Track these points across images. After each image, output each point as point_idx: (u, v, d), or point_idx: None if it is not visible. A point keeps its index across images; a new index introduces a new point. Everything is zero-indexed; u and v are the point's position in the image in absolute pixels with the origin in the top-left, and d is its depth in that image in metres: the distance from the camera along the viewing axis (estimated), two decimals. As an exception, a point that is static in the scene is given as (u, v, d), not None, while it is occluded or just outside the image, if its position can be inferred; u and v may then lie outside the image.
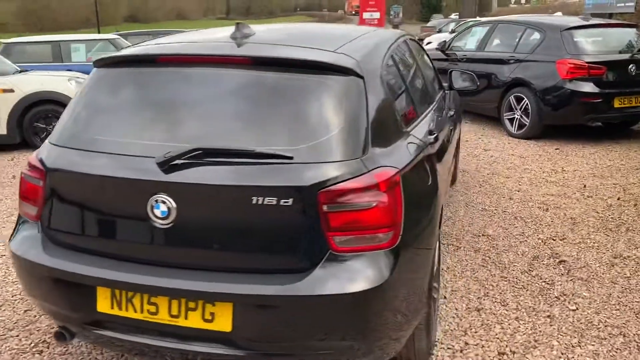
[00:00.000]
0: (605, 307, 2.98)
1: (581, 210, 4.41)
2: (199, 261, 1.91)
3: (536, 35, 6.92)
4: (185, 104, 2.03)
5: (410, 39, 3.31)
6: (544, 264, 3.50)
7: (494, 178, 5.32)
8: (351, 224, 1.85)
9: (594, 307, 2.98)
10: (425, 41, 17.96)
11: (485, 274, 3.37)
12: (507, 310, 2.96)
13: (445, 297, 3.10)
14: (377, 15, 36.73)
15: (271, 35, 2.39)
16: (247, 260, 1.88)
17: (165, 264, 1.94)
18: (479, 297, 3.10)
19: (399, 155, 2.09)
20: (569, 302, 3.03)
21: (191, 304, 1.90)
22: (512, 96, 6.96)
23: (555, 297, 3.10)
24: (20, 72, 7.42)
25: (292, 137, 1.90)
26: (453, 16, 40.75)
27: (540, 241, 3.85)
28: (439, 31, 24.99)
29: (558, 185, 5.08)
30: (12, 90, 6.67)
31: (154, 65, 2.18)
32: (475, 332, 2.76)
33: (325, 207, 1.82)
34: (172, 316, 1.92)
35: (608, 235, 3.93)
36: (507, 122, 7.14)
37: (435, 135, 2.66)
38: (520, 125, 6.92)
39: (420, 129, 2.54)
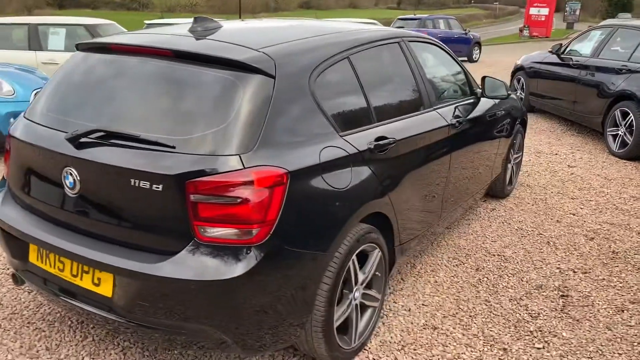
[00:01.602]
0: (577, 353, 2.68)
1: (632, 246, 3.90)
2: (96, 230, 2.15)
3: (657, 44, 6.10)
4: (110, 89, 2.27)
5: (410, 41, 3.19)
6: (542, 295, 3.21)
7: (556, 197, 4.87)
8: (218, 217, 1.95)
9: (563, 351, 2.69)
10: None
11: (470, 295, 3.19)
12: (463, 335, 2.80)
13: (409, 310, 3.01)
14: (545, 11, 34.43)
15: (225, 30, 2.52)
16: (130, 236, 2.08)
17: (74, 228, 2.21)
18: (445, 316, 2.96)
19: (300, 157, 2.12)
20: (538, 340, 2.77)
21: (85, 267, 2.15)
22: (617, 110, 6.22)
23: (529, 331, 2.85)
24: None
25: (181, 127, 2.04)
26: (620, 15, 36.44)
27: (557, 271, 3.51)
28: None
29: (627, 214, 4.51)
30: None
31: (106, 52, 2.44)
32: (414, 350, 2.67)
33: (192, 197, 1.94)
34: (73, 275, 2.19)
35: (644, 278, 3.45)
36: (609, 139, 6.41)
37: (390, 141, 2.60)
38: (623, 144, 6.18)
39: (366, 135, 2.51)
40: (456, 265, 3.57)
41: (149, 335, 2.12)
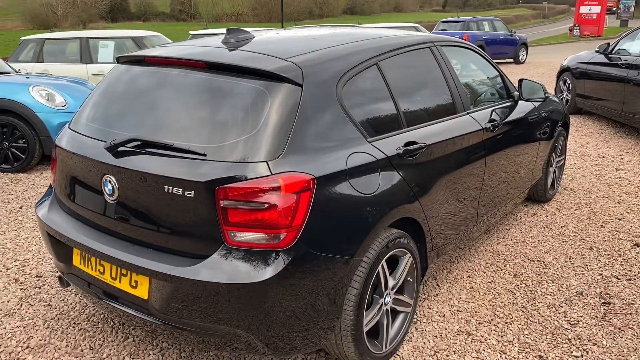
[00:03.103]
0: (617, 361, 2.60)
1: (681, 252, 3.74)
2: (133, 235, 2.25)
3: None
4: (146, 100, 2.38)
5: (443, 45, 3.18)
6: (583, 302, 3.13)
7: (601, 201, 4.73)
8: (247, 222, 2.01)
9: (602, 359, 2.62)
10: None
11: (506, 301, 3.14)
12: (498, 342, 2.76)
13: (443, 316, 3.00)
14: (597, 9, 33.33)
15: (256, 41, 2.59)
16: (164, 240, 2.16)
17: (113, 233, 2.32)
18: (480, 322, 2.93)
19: (326, 163, 2.16)
20: (577, 348, 2.70)
21: (123, 271, 2.25)
22: (669, 110, 5.98)
23: (567, 339, 2.78)
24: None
25: (212, 136, 2.12)
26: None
27: (600, 277, 3.41)
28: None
29: (678, 219, 4.33)
30: None
31: (143, 65, 2.55)
32: (446, 356, 2.65)
33: (222, 203, 2.00)
34: (112, 278, 2.30)
35: (693, 285, 3.31)
36: (661, 140, 6.16)
37: (420, 146, 2.61)
38: (676, 145, 5.92)
39: (395, 141, 2.53)
40: (494, 271, 3.52)
41: (184, 337, 2.20)
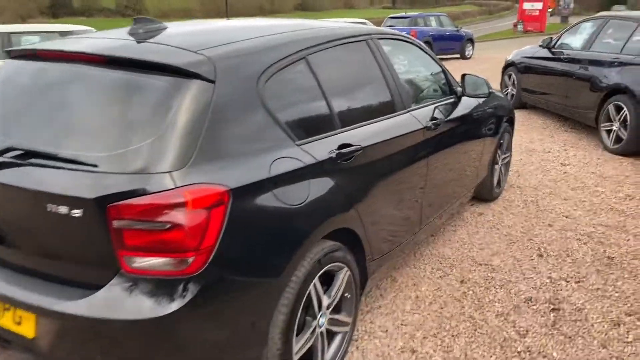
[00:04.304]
0: (569, 375, 2.43)
1: (628, 250, 3.65)
2: (15, 262, 1.91)
3: (649, 35, 5.86)
4: (37, 101, 2.03)
5: (380, 38, 2.94)
6: (532, 309, 2.96)
7: (548, 199, 4.63)
8: (147, 245, 1.71)
9: (553, 373, 2.45)
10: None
11: (453, 310, 2.94)
12: (444, 358, 2.55)
13: (386, 331, 2.77)
14: (539, 5, 34.12)
15: (168, 32, 2.27)
16: (52, 269, 1.84)
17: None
18: (425, 337, 2.71)
19: (245, 172, 1.88)
20: (526, 361, 2.53)
21: (6, 305, 1.90)
22: (611, 105, 5.97)
23: (516, 352, 2.60)
24: None
25: (106, 143, 1.80)
26: (615, 7, 36.08)
27: (548, 281, 3.26)
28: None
29: (623, 215, 4.26)
30: None
31: (36, 60, 2.19)
32: (389, 377, 2.42)
33: (116, 223, 1.69)
34: (-6, 312, 1.95)
35: (642, 286, 3.20)
36: (603, 134, 6.16)
37: (356, 149, 2.36)
38: (618, 139, 5.93)
39: (328, 143, 2.27)
40: (440, 277, 3.32)
41: None
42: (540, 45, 7.70)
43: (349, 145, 2.36)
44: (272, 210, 1.95)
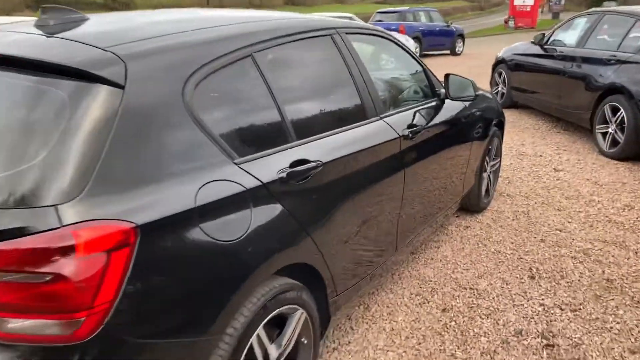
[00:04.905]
0: None
1: (629, 271, 3.28)
2: None
3: (648, 31, 5.50)
4: None
5: (349, 33, 2.54)
6: (523, 344, 2.58)
7: (540, 209, 4.25)
8: (22, 302, 1.30)
9: None
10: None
11: (433, 347, 2.56)
12: (420, 411, 2.17)
13: (354, 374, 2.38)
14: (530, 1, 33.84)
15: (87, 23, 1.85)
16: None
17: None
18: (399, 381, 2.33)
19: (161, 202, 1.47)
20: (516, 415, 2.15)
21: None
22: (607, 105, 5.62)
23: (504, 401, 2.22)
24: None
25: None
26: (606, 3, 35.83)
27: (540, 309, 2.89)
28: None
29: (622, 228, 3.90)
30: None
31: None
32: None
33: (-20, 275, 1.28)
34: None
35: (646, 314, 2.84)
36: (599, 137, 5.81)
37: (313, 166, 1.96)
38: (614, 142, 5.57)
39: (277, 160, 1.87)
40: (419, 304, 2.94)
41: None
42: (532, 42, 7.33)
43: (306, 161, 1.97)
44: (197, 249, 1.55)
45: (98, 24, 1.88)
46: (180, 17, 2.11)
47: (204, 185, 1.60)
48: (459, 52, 18.78)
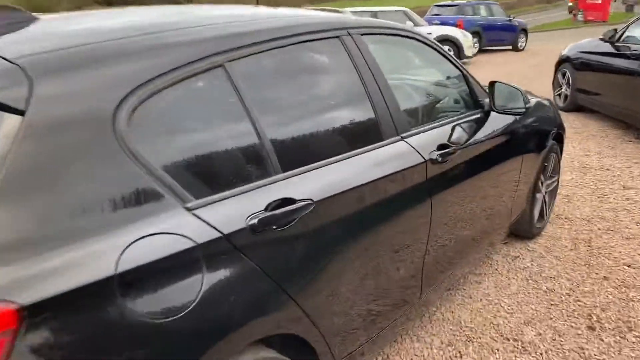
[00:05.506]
0: None
1: None
2: None
3: None
4: None
5: (364, 33, 2.06)
6: None
7: (605, 237, 3.64)
8: None
9: None
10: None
11: (460, 420, 2.08)
12: None
13: None
14: (602, -8, 31.80)
15: (24, 29, 1.48)
16: None
17: None
18: None
19: (65, 270, 1.09)
20: None
21: None
22: (689, 113, 4.86)
23: None
24: None
25: None
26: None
27: (601, 373, 2.34)
28: None
29: None
30: None
31: None
32: None
33: None
34: None
35: None
36: (678, 149, 5.05)
37: (302, 205, 1.53)
38: (697, 156, 4.82)
39: (247, 203, 1.45)
40: (450, 357, 2.45)
41: None
42: (602, 39, 6.57)
43: (291, 200, 1.53)
44: (118, 332, 1.15)
45: (38, 27, 1.50)
46: (143, 18, 1.70)
47: (132, 243, 1.20)
48: (522, 48, 17.77)
